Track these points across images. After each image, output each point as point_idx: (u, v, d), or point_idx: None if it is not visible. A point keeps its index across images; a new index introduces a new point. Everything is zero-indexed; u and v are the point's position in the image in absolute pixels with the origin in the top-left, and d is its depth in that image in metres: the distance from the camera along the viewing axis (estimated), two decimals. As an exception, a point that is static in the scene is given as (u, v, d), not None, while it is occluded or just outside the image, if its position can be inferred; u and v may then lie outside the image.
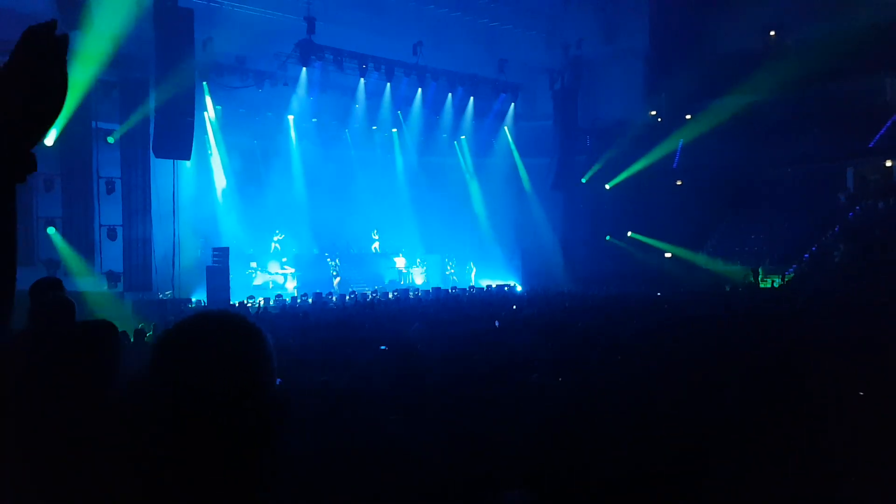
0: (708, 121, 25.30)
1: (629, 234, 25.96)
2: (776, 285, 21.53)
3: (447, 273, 25.25)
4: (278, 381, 1.31)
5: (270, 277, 21.68)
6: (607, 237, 25.64)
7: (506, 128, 25.16)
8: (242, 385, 1.22)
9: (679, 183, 26.45)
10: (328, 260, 22.74)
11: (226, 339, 1.25)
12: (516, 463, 3.97)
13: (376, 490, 3.55)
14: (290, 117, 22.47)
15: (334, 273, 22.55)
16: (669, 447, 4.09)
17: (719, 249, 25.88)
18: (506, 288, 22.61)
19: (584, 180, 25.88)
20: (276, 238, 22.36)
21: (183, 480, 1.19)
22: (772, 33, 25.19)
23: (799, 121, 23.76)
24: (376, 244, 24.39)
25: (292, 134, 22.83)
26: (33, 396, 2.31)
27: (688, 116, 26.24)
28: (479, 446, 4.27)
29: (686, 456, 3.88)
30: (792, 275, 22.74)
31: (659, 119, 26.34)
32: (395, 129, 24.59)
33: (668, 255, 26.22)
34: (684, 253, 25.62)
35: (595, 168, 26.12)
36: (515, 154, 25.74)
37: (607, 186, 26.60)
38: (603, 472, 3.70)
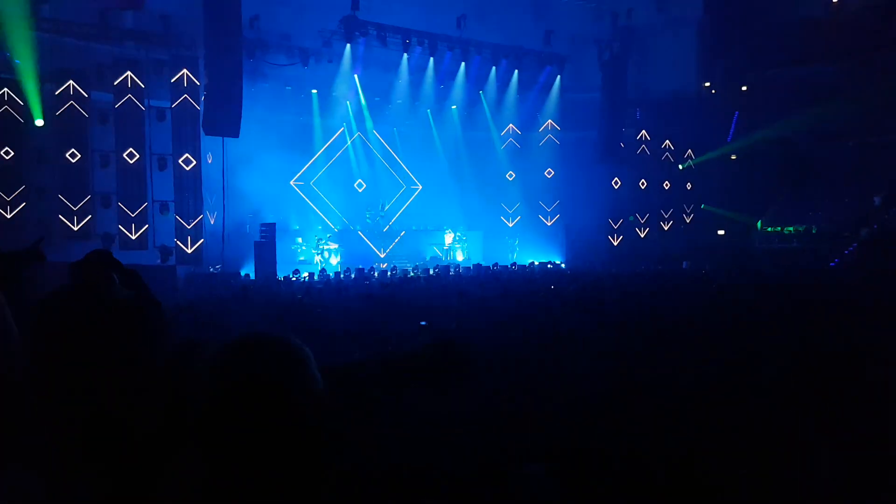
0: (764, 92, 24.34)
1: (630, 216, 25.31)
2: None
3: (515, 245, 25.22)
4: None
5: (315, 253, 22.14)
6: (630, 217, 25.05)
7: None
8: (281, 412, 1.30)
9: (733, 157, 25.63)
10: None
11: (266, 366, 1.33)
12: (546, 440, 4.06)
13: (404, 465, 3.68)
14: (336, 94, 22.69)
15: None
16: (702, 433, 4.07)
17: (775, 225, 25.12)
18: (549, 265, 22.50)
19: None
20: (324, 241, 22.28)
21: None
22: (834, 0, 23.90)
23: (862, 91, 22.58)
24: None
25: (351, 113, 23.17)
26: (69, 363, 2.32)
27: (743, 88, 25.26)
28: (511, 423, 4.39)
29: (718, 443, 3.85)
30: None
31: (713, 91, 25.45)
32: (454, 106, 24.43)
33: (720, 232, 25.59)
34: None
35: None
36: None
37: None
38: (633, 453, 3.72)
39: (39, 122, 17.41)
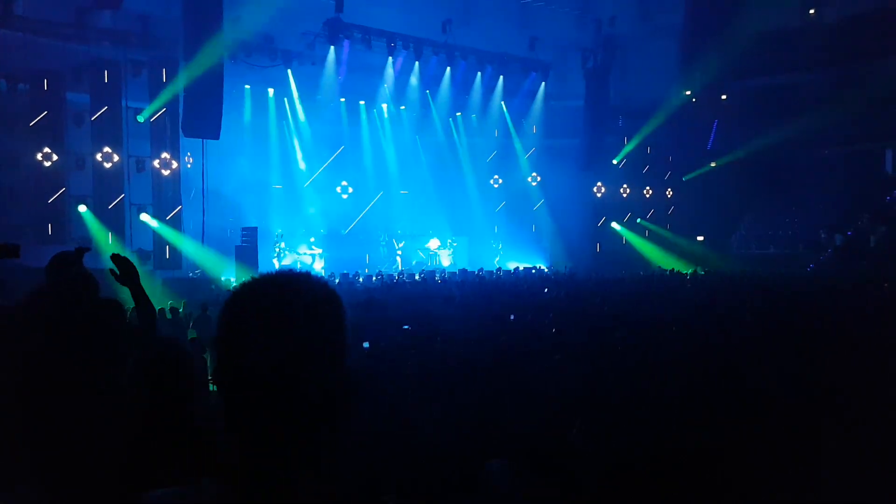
0: (743, 100, 24.68)
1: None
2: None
3: (498, 250, 25.20)
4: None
5: (298, 257, 21.74)
6: (612, 224, 25.19)
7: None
8: (320, 350, 1.10)
9: (713, 164, 25.90)
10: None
11: (308, 300, 1.11)
12: (522, 441, 3.88)
13: (384, 464, 3.60)
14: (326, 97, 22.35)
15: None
16: (676, 434, 3.99)
17: (752, 233, 25.36)
18: (533, 270, 22.42)
19: (615, 161, 25.44)
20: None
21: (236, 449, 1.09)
22: (811, 11, 24.35)
23: (837, 101, 23.02)
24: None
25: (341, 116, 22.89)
26: (46, 368, 2.39)
27: (723, 96, 25.59)
28: (489, 426, 4.26)
29: (692, 444, 3.78)
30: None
31: (693, 99, 25.73)
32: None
33: (700, 238, 25.78)
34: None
35: (627, 149, 25.65)
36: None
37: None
38: (606, 454, 3.65)
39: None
